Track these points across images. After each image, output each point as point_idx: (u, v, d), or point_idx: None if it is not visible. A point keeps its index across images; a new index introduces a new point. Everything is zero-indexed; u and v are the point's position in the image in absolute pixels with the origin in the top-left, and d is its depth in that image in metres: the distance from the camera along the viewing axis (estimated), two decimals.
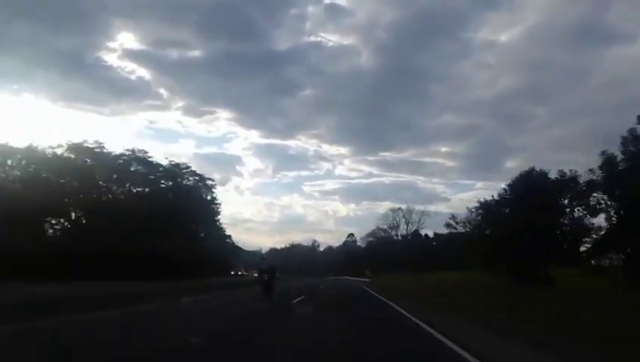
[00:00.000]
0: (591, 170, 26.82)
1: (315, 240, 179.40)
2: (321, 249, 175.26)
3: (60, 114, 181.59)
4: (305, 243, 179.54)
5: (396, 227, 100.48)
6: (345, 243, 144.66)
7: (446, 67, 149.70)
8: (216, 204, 71.54)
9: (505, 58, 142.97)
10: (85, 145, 51.04)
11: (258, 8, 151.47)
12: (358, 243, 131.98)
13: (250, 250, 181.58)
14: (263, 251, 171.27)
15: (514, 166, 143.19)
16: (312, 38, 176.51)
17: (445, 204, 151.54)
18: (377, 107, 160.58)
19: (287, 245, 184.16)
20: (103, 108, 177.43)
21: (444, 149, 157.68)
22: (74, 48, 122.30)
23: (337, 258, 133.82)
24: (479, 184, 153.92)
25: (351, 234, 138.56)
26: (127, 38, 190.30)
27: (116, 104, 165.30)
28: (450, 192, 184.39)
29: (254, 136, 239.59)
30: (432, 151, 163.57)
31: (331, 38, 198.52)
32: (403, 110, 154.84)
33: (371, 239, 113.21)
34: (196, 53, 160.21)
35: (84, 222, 45.99)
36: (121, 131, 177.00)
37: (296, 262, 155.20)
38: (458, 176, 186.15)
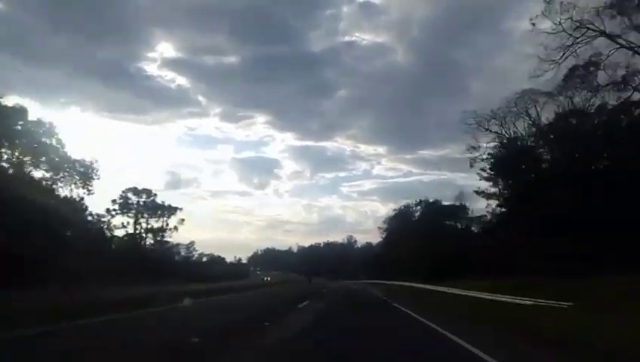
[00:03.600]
0: None
1: (351, 236, 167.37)
2: (359, 246, 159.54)
3: (105, 125, 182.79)
4: (340, 241, 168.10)
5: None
6: (400, 212, 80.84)
7: (485, 60, 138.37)
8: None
9: (547, 48, 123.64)
10: None
11: (292, 11, 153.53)
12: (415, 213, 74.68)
13: (283, 249, 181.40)
14: (295, 251, 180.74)
15: None
16: (347, 38, 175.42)
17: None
18: (414, 104, 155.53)
19: (320, 243, 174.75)
20: (145, 117, 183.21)
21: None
22: (116, 59, 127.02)
23: (374, 255, 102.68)
24: None
25: (406, 206, 78.71)
26: (165, 48, 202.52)
27: (157, 112, 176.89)
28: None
29: (290, 139, 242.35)
30: None
31: (366, 37, 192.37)
32: (441, 106, 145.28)
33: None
34: (232, 59, 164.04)
35: None
36: (162, 139, 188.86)
37: (328, 262, 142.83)
38: None
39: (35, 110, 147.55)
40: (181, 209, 63.73)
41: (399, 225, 76.70)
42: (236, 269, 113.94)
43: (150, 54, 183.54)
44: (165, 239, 63.16)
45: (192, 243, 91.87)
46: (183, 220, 61.78)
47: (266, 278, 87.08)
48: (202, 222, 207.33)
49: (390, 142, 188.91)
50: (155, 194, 60.63)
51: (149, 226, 59.53)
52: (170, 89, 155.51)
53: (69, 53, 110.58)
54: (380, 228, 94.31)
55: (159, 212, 58.83)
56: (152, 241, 62.55)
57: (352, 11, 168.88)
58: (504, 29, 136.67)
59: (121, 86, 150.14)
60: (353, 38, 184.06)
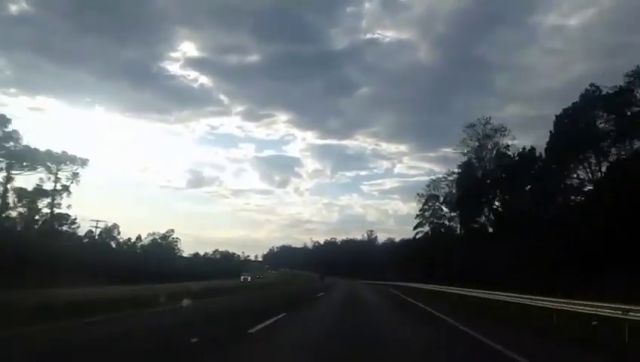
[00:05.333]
0: None
1: (371, 231, 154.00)
2: (379, 243, 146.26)
3: (129, 124, 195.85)
4: (359, 238, 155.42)
5: None
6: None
7: (510, 56, 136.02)
8: None
9: (575, 43, 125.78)
10: None
11: (314, 9, 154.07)
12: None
13: (299, 247, 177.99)
14: (310, 247, 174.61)
15: None
16: (369, 36, 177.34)
17: None
18: (437, 101, 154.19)
19: (337, 240, 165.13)
20: (167, 117, 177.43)
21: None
22: (139, 59, 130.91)
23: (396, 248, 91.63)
24: None
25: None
26: (188, 47, 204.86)
27: (179, 111, 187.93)
28: None
29: (311, 137, 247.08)
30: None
31: (388, 34, 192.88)
32: (464, 103, 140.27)
33: None
34: (254, 58, 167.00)
35: None
36: (184, 138, 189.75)
37: (345, 259, 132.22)
38: None
39: (61, 108, 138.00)
40: (87, 161, 42.13)
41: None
42: (232, 266, 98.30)
43: (173, 54, 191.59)
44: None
45: (170, 231, 73.57)
46: (76, 175, 40.89)
47: (243, 277, 67.76)
48: (224, 220, 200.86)
49: (412, 141, 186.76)
50: (10, 119, 37.57)
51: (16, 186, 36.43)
52: (192, 88, 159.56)
53: (93, 54, 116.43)
54: (420, 194, 66.86)
55: (29, 164, 36.51)
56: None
57: (374, 8, 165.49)
58: (531, 23, 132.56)
59: (144, 86, 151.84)
60: (375, 36, 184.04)
